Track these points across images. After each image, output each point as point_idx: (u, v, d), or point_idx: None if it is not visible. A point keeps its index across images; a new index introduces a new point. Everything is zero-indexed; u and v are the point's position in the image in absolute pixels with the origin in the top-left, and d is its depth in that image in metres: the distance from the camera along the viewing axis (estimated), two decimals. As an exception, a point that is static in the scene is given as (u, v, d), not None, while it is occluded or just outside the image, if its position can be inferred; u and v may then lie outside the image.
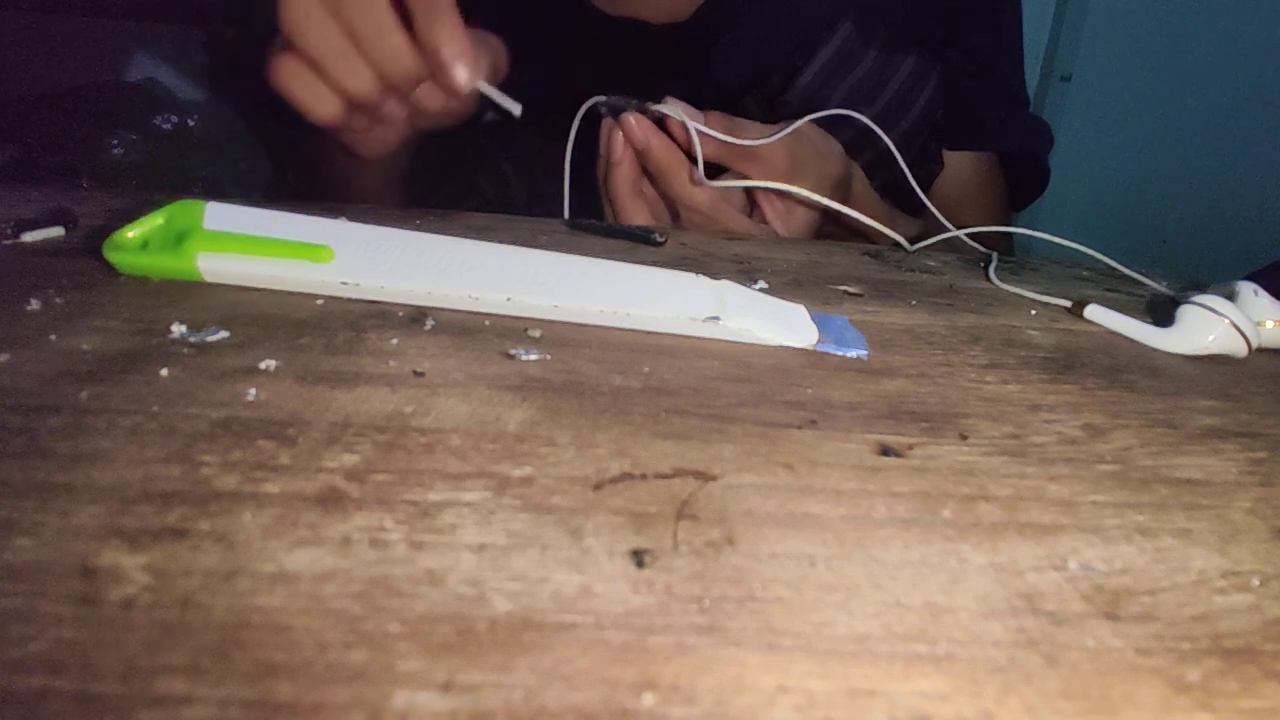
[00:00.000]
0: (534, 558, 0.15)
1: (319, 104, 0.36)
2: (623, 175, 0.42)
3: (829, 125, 0.47)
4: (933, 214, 0.47)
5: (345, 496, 0.16)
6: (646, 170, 0.43)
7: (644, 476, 0.18)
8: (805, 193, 0.42)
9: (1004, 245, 0.49)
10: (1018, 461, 0.21)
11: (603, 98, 0.42)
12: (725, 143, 0.41)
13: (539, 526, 0.16)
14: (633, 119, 0.41)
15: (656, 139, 0.41)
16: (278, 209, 0.27)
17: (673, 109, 0.41)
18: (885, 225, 0.43)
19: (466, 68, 0.36)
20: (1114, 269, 0.43)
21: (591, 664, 0.13)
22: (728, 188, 0.42)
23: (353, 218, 0.30)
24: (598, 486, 0.18)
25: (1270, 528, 0.19)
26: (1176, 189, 1.59)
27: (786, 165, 0.43)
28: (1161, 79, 1.56)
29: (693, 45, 0.54)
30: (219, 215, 0.26)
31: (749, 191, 0.46)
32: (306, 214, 0.27)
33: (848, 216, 0.44)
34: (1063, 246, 0.43)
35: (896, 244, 0.45)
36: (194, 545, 0.14)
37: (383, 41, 0.35)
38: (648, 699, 0.12)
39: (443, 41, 0.35)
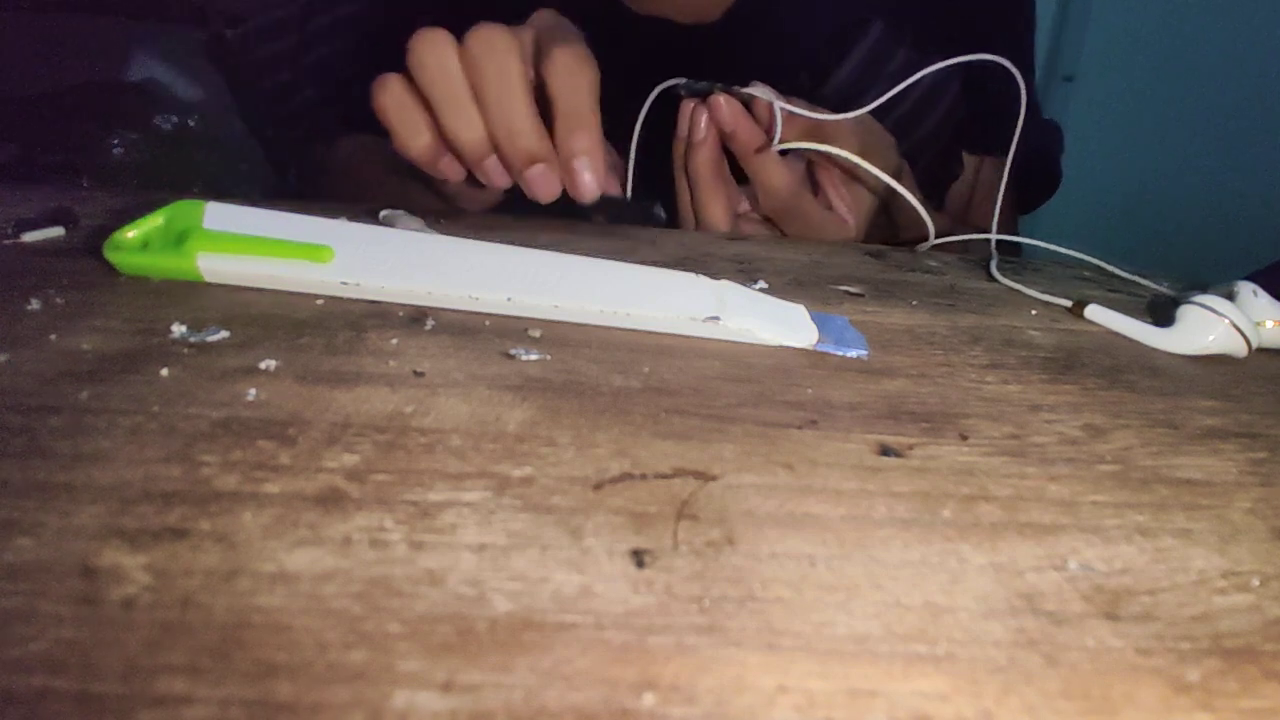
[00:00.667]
0: (534, 558, 0.15)
1: (411, 136, 0.36)
2: (705, 156, 0.42)
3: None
4: (954, 214, 0.47)
5: (345, 496, 0.16)
6: (729, 153, 0.43)
7: (644, 476, 0.18)
8: (874, 169, 0.42)
9: (1012, 247, 0.49)
10: (1018, 461, 0.21)
11: (682, 79, 0.43)
12: (803, 123, 0.42)
13: (539, 526, 0.16)
14: (723, 100, 0.41)
15: (745, 121, 0.41)
16: (278, 209, 0.27)
17: (761, 91, 0.41)
18: (920, 220, 0.44)
19: (595, 183, 0.36)
20: (1114, 270, 0.43)
21: (591, 664, 0.13)
22: (796, 148, 0.42)
23: (353, 218, 0.30)
24: (598, 486, 0.18)
25: (1270, 528, 0.19)
26: (1178, 189, 1.59)
27: (857, 148, 0.43)
28: (1164, 79, 1.56)
29: (721, 45, 0.54)
30: (219, 215, 0.26)
31: (813, 180, 0.46)
32: (306, 214, 0.27)
33: (895, 207, 0.44)
34: (1063, 250, 0.43)
35: (915, 240, 0.45)
36: (194, 545, 0.14)
37: (509, 106, 0.34)
38: (648, 699, 0.12)
39: (579, 150, 0.35)
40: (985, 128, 0.57)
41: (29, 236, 0.29)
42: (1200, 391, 0.27)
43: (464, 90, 0.34)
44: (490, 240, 0.29)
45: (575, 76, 0.36)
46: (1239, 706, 0.14)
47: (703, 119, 0.42)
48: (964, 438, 0.22)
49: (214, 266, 0.26)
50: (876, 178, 0.43)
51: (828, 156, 0.43)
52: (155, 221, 0.27)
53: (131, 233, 0.26)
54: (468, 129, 0.35)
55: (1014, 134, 0.60)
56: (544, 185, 0.36)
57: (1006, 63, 0.45)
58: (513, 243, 0.29)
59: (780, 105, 0.41)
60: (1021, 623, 0.15)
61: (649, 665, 0.13)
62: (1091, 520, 0.18)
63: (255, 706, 0.12)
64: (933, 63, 0.52)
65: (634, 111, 0.44)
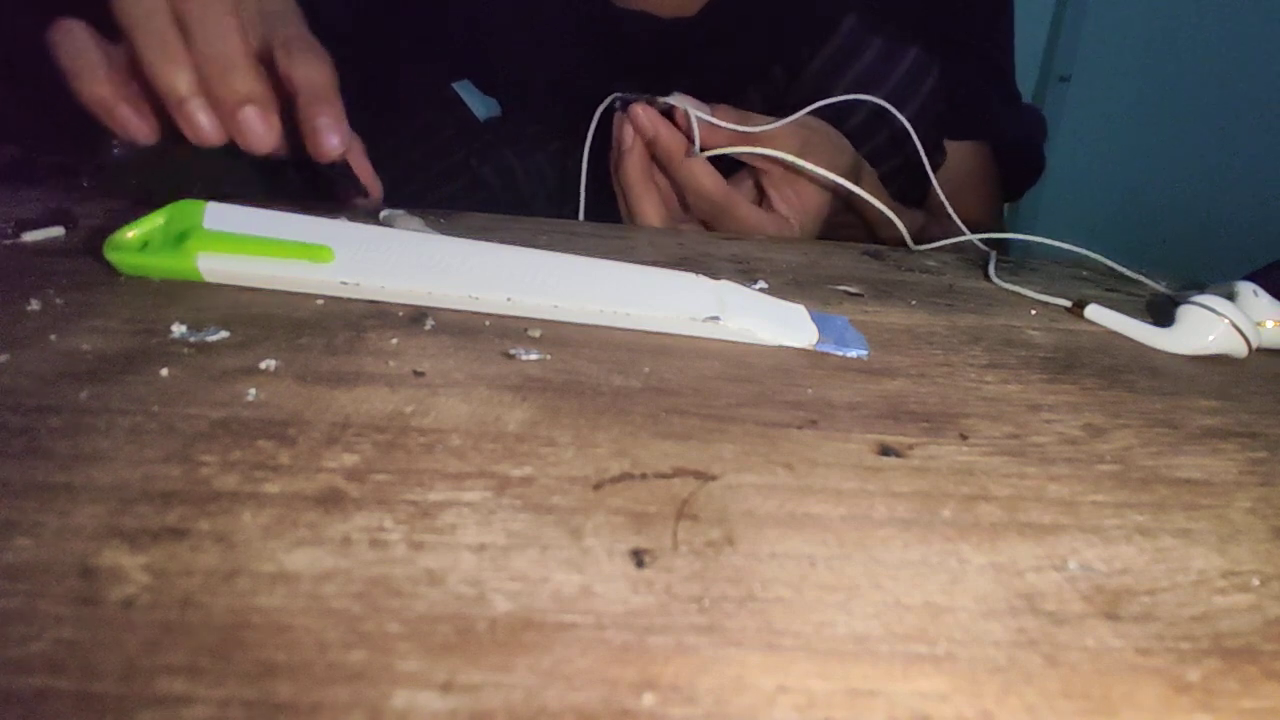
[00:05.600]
0: (534, 558, 0.15)
1: (90, 79, 0.32)
2: (633, 163, 0.43)
3: (833, 117, 0.47)
4: (936, 208, 0.47)
5: (345, 496, 0.16)
6: (657, 160, 0.44)
7: (644, 476, 0.18)
8: (811, 166, 0.42)
9: (1000, 243, 0.49)
10: (1018, 461, 0.21)
11: (619, 95, 0.44)
12: (734, 133, 0.42)
13: (539, 526, 0.16)
14: (640, 109, 0.42)
15: (664, 127, 0.42)
16: (278, 209, 0.27)
17: (679, 100, 0.42)
18: (891, 220, 0.44)
19: (339, 138, 0.34)
20: (1114, 269, 0.43)
21: (591, 664, 0.13)
22: (718, 154, 0.43)
23: (353, 218, 0.30)
24: (598, 486, 0.18)
25: (1270, 528, 0.19)
26: (1176, 189, 1.59)
27: (797, 149, 0.43)
28: (1160, 79, 1.56)
29: (699, 39, 0.55)
30: (219, 215, 0.26)
31: (758, 186, 0.46)
32: (306, 214, 0.27)
33: (859, 203, 0.45)
34: (1063, 245, 0.43)
35: (900, 240, 0.45)
36: (194, 545, 0.14)
37: (222, 43, 0.32)
38: (648, 699, 0.12)
39: (323, 117, 0.34)
40: (963, 114, 0.57)
41: (29, 236, 0.29)
42: (1200, 391, 0.27)
43: (171, 28, 0.32)
44: (490, 240, 0.29)
45: (315, 59, 0.34)
46: (1239, 706, 0.14)
47: (630, 129, 0.43)
48: (964, 438, 0.22)
49: (214, 266, 0.26)
50: (826, 176, 0.43)
51: (762, 158, 0.43)
52: (155, 221, 0.27)
53: (131, 233, 0.26)
54: (174, 66, 0.32)
55: (991, 119, 0.60)
56: (258, 128, 0.33)
57: (879, 100, 0.45)
58: (513, 243, 0.29)
59: (696, 114, 0.42)
60: (1021, 623, 0.15)
61: (649, 665, 0.13)
62: (1091, 520, 0.18)
63: (255, 706, 0.12)
64: (908, 53, 0.52)
65: (614, 102, 0.45)
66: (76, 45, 0.33)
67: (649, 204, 0.44)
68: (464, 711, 0.12)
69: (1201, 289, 0.35)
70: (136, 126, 0.34)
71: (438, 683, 0.12)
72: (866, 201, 0.44)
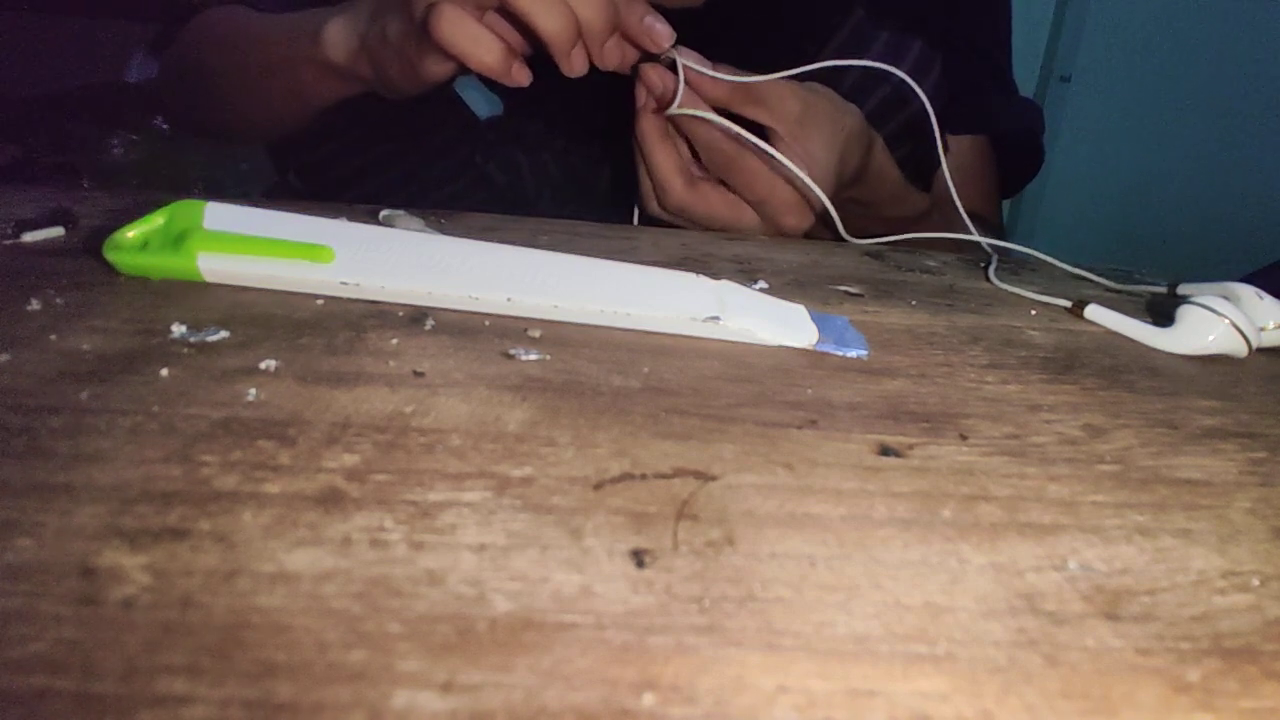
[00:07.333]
0: (534, 558, 0.15)
1: (486, 52, 0.38)
2: (647, 121, 0.44)
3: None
4: (940, 198, 0.47)
5: (345, 496, 0.16)
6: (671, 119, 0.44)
7: (644, 476, 0.18)
8: (782, 158, 0.42)
9: (996, 233, 0.49)
10: (1018, 461, 0.21)
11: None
12: (732, 86, 0.42)
13: (539, 526, 0.16)
14: (648, 68, 0.43)
15: (671, 83, 0.43)
16: (278, 209, 0.27)
17: (681, 55, 0.43)
18: (900, 197, 0.43)
19: (668, 27, 0.40)
20: (1114, 269, 0.43)
21: (591, 664, 0.13)
22: (690, 115, 0.43)
23: (353, 218, 0.30)
24: (598, 486, 0.18)
25: (1270, 528, 0.19)
26: (1176, 189, 1.59)
27: (798, 111, 0.43)
28: (1161, 80, 1.56)
29: (706, 32, 0.55)
30: (219, 215, 0.26)
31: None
32: (306, 214, 0.27)
33: (867, 175, 0.45)
34: (1063, 246, 0.42)
35: (897, 217, 0.45)
36: (194, 545, 0.14)
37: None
38: (648, 699, 0.12)
39: (642, 11, 0.40)
40: (963, 109, 0.57)
41: (29, 236, 0.29)
42: (1200, 391, 0.27)
43: None
44: (490, 240, 0.29)
45: None
46: (1239, 706, 0.14)
47: (641, 89, 0.44)
48: (964, 438, 0.22)
49: (214, 266, 0.26)
50: (832, 139, 0.43)
51: (768, 114, 0.43)
52: (155, 221, 0.27)
53: (131, 233, 0.26)
54: (561, 21, 0.38)
55: (990, 113, 0.60)
56: (617, 55, 0.42)
57: (899, 72, 0.45)
58: (513, 243, 0.29)
59: (682, 61, 0.42)
60: (1021, 623, 0.15)
61: (649, 665, 0.13)
62: (1091, 520, 0.19)
63: (255, 706, 0.12)
64: (912, 47, 0.52)
65: (622, 98, 0.45)
66: (461, 26, 0.37)
67: (664, 158, 0.44)
68: (464, 711, 0.12)
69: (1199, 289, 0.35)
70: (526, 77, 0.40)
71: (438, 683, 0.12)
72: (873, 173, 0.44)
